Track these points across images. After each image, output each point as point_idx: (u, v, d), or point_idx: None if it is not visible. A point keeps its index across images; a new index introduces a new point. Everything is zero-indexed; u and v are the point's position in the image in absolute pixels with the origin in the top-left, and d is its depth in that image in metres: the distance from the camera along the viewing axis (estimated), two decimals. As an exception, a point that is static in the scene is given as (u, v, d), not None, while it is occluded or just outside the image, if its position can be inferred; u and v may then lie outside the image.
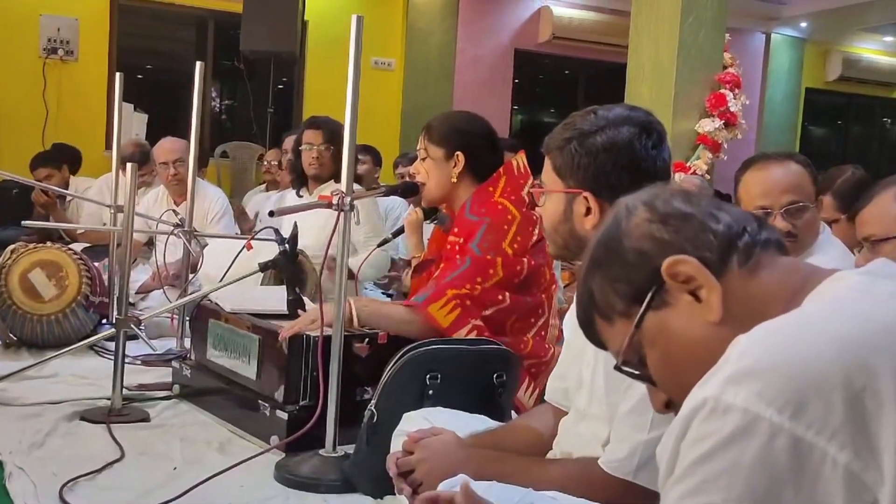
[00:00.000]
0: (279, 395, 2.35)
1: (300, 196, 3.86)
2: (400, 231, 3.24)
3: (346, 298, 2.18)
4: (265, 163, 6.26)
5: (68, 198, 5.59)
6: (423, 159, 2.67)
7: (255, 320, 2.52)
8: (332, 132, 3.78)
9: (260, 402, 2.38)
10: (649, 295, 0.98)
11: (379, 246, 3.21)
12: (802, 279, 0.96)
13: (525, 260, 2.50)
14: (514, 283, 2.49)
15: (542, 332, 2.60)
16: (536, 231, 2.53)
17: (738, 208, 1.05)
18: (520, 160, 2.67)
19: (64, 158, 5.83)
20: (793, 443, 0.76)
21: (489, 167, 2.63)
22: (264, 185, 6.34)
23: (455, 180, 2.63)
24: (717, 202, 1.04)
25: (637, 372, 1.02)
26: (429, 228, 3.19)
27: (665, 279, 0.97)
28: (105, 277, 3.67)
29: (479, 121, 2.74)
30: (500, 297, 2.47)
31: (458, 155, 2.61)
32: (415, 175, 2.73)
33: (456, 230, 2.60)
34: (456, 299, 2.41)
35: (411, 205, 4.48)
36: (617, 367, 1.03)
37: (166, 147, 4.51)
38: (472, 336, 2.39)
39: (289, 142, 5.21)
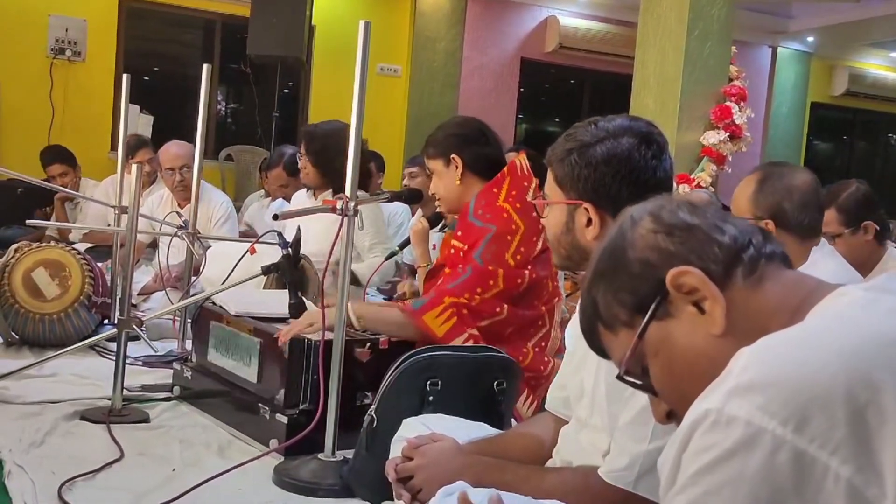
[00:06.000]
0: (279, 398, 2.35)
1: (314, 197, 3.83)
2: (406, 242, 3.28)
3: (346, 302, 2.18)
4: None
5: (76, 198, 5.58)
6: (430, 175, 2.75)
7: (258, 323, 2.52)
8: (315, 143, 3.70)
9: (260, 405, 2.38)
10: (653, 305, 0.98)
11: (387, 259, 3.35)
12: (807, 293, 0.95)
13: (526, 272, 2.51)
14: (514, 294, 2.50)
15: (542, 344, 2.60)
16: (540, 242, 2.53)
17: (745, 221, 1.05)
18: (522, 160, 2.68)
19: (76, 157, 5.79)
20: (795, 456, 0.76)
21: (487, 160, 2.68)
22: (262, 192, 6.33)
23: (459, 182, 2.67)
24: (723, 214, 1.04)
25: (639, 382, 1.02)
26: (434, 237, 3.21)
27: (669, 290, 0.96)
28: (108, 278, 3.68)
29: (468, 121, 2.80)
30: (498, 308, 2.48)
31: (454, 158, 2.67)
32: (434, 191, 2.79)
33: (460, 234, 2.62)
34: (453, 307, 2.44)
35: (419, 210, 4.49)
36: (619, 377, 1.03)
37: (172, 153, 4.46)
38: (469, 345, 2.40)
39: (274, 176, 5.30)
